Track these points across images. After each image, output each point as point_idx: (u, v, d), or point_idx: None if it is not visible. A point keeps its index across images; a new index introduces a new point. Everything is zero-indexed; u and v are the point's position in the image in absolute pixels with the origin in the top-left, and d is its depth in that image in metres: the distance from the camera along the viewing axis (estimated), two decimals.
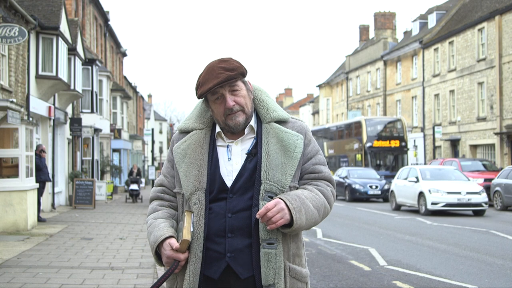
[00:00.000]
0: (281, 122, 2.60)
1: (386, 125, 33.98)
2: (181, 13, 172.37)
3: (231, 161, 2.54)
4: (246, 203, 2.47)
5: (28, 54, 16.97)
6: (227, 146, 2.57)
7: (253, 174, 2.49)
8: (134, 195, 24.80)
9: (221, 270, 2.46)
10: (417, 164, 38.08)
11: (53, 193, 19.42)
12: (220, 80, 2.45)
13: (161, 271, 8.23)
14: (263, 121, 2.59)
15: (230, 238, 2.46)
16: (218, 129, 2.59)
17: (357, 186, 26.06)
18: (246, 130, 2.57)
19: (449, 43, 35.91)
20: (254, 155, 2.53)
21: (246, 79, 2.58)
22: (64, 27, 18.80)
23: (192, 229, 2.42)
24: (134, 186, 25.11)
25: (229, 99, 2.49)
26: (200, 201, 2.49)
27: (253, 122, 2.59)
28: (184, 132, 2.65)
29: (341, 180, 27.23)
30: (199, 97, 2.56)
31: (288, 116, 2.63)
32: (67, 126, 22.46)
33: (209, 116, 2.63)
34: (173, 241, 2.42)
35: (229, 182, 2.50)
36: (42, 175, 15.64)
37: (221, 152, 2.57)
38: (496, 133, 30.10)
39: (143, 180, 44.57)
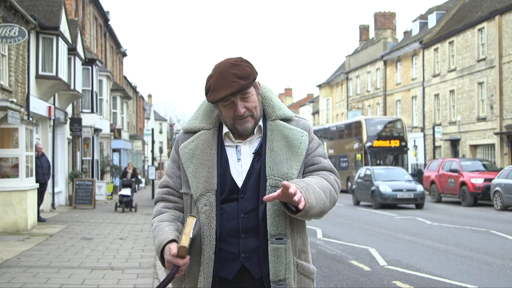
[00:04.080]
0: (286, 120, 2.60)
1: (386, 125, 33.96)
2: (181, 13, 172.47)
3: (240, 161, 2.53)
4: (258, 203, 2.47)
5: (28, 54, 16.97)
6: (236, 147, 2.56)
7: (261, 173, 2.49)
8: (124, 202, 19.57)
9: (235, 271, 2.45)
10: (417, 164, 38.12)
11: (53, 193, 19.42)
12: (232, 90, 2.41)
13: (161, 270, 8.24)
14: (268, 118, 2.59)
15: (243, 239, 2.45)
16: (225, 129, 2.57)
17: None
18: (255, 130, 2.56)
19: (449, 43, 35.91)
20: (260, 154, 2.53)
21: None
22: (64, 27, 18.79)
23: (192, 235, 2.39)
24: (125, 191, 19.79)
25: (239, 107, 2.46)
26: (210, 203, 2.47)
27: (260, 122, 2.58)
28: (190, 132, 2.61)
29: None
30: (210, 102, 2.51)
31: (293, 115, 2.63)
32: (67, 126, 22.46)
33: (216, 116, 2.60)
34: (172, 246, 2.39)
35: (239, 182, 2.49)
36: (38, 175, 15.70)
37: (230, 152, 2.55)
38: (496, 133, 30.10)
39: (143, 180, 44.53)
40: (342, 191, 33.88)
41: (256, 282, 2.45)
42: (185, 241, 2.35)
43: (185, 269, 2.41)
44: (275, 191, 2.41)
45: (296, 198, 2.27)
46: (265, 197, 2.34)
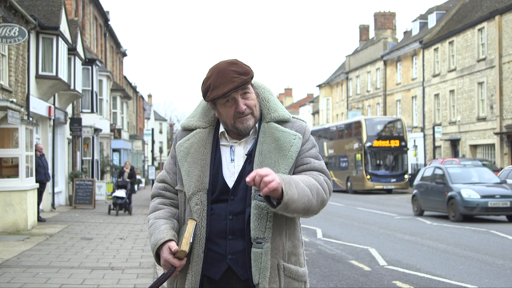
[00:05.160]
0: (282, 122, 2.58)
1: (386, 125, 33.95)
2: (181, 13, 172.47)
3: (234, 162, 2.53)
4: (246, 205, 2.47)
5: (28, 54, 16.97)
6: (231, 147, 2.56)
7: None
8: (119, 205, 18.03)
9: (222, 272, 2.46)
10: (417, 164, 38.11)
11: (53, 193, 19.42)
12: (235, 84, 2.42)
13: (161, 271, 8.24)
14: (263, 120, 2.58)
15: (230, 240, 2.45)
16: (221, 129, 2.57)
17: None
18: (250, 131, 2.56)
19: (449, 43, 35.91)
20: (251, 156, 2.52)
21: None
22: (64, 27, 18.80)
23: (191, 240, 2.41)
24: (120, 193, 18.15)
25: (241, 103, 2.47)
26: (202, 202, 2.48)
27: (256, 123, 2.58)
28: (187, 129, 2.63)
29: None
30: (210, 100, 2.50)
31: (289, 116, 2.60)
32: (67, 126, 22.46)
33: (213, 114, 2.61)
34: (172, 244, 2.42)
35: (231, 183, 2.50)
36: (41, 175, 15.71)
37: (224, 152, 2.56)
38: (496, 133, 30.10)
39: (143, 180, 44.48)
40: (341, 191, 33.89)
41: (243, 283, 2.45)
42: (185, 246, 2.39)
43: (180, 269, 2.44)
44: (259, 194, 2.39)
45: (248, 178, 2.25)
46: (247, 178, 2.29)
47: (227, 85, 2.43)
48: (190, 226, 2.43)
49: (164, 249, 2.42)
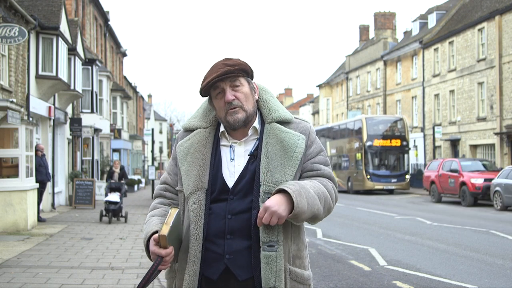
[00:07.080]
0: (284, 122, 2.58)
1: (387, 124, 33.85)
2: (182, 13, 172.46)
3: (234, 161, 2.53)
4: (247, 205, 2.45)
5: (28, 54, 16.97)
6: (231, 146, 2.56)
7: (254, 176, 2.48)
8: (112, 211, 15.58)
9: (220, 272, 2.45)
10: (417, 164, 38.09)
11: (53, 193, 19.41)
12: (219, 73, 2.46)
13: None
14: (265, 121, 2.58)
15: (229, 240, 2.44)
16: (222, 128, 2.58)
17: None
18: (249, 131, 2.56)
19: (449, 43, 35.89)
20: (256, 156, 2.52)
21: (253, 80, 2.60)
22: (64, 27, 18.79)
23: (171, 225, 2.36)
24: (113, 197, 15.77)
25: (228, 93, 2.48)
26: (199, 201, 2.48)
27: (256, 123, 2.57)
28: (189, 130, 2.65)
29: None
30: (201, 93, 2.56)
31: (291, 117, 2.60)
32: (67, 126, 22.46)
33: (214, 115, 2.62)
34: (155, 236, 2.40)
35: (230, 183, 2.49)
36: (42, 175, 15.71)
37: (224, 152, 2.56)
38: (496, 133, 30.09)
39: (142, 180, 44.45)
40: (342, 191, 33.86)
41: (241, 284, 2.44)
42: (164, 230, 2.34)
43: (169, 261, 2.38)
44: (268, 197, 2.41)
45: (258, 223, 2.38)
46: (258, 222, 2.39)
47: (212, 75, 2.48)
48: (171, 213, 2.40)
49: (151, 240, 2.40)
